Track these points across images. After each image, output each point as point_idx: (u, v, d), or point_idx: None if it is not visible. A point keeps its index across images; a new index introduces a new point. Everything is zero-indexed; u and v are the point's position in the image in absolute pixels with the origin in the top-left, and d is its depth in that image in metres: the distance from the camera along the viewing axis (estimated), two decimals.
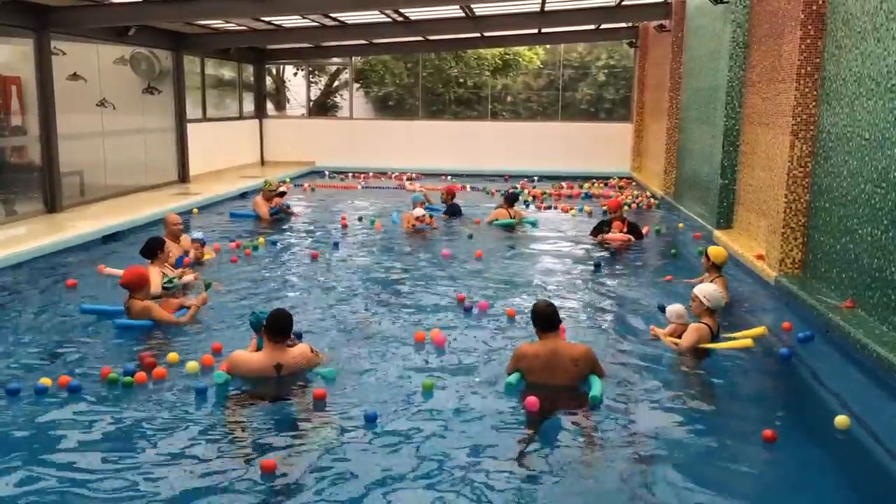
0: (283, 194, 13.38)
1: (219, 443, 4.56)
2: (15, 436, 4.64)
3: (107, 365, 5.63)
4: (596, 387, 5.20)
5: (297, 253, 10.32)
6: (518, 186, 17.80)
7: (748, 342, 6.11)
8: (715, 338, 6.17)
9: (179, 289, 7.13)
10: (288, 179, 18.52)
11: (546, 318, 5.40)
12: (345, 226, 12.16)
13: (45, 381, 5.27)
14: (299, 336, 6.18)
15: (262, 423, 4.82)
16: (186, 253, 8.82)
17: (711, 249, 7.88)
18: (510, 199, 12.88)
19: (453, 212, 13.25)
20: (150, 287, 6.84)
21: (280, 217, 12.93)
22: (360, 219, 12.86)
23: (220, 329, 6.76)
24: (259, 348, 5.56)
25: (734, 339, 6.26)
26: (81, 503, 3.89)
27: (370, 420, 4.84)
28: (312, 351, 5.57)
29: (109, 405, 5.08)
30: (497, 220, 12.44)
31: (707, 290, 6.24)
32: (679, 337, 6.22)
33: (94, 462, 4.31)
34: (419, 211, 11.79)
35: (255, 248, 10.34)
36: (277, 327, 5.34)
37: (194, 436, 4.64)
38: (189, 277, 8.05)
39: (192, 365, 5.66)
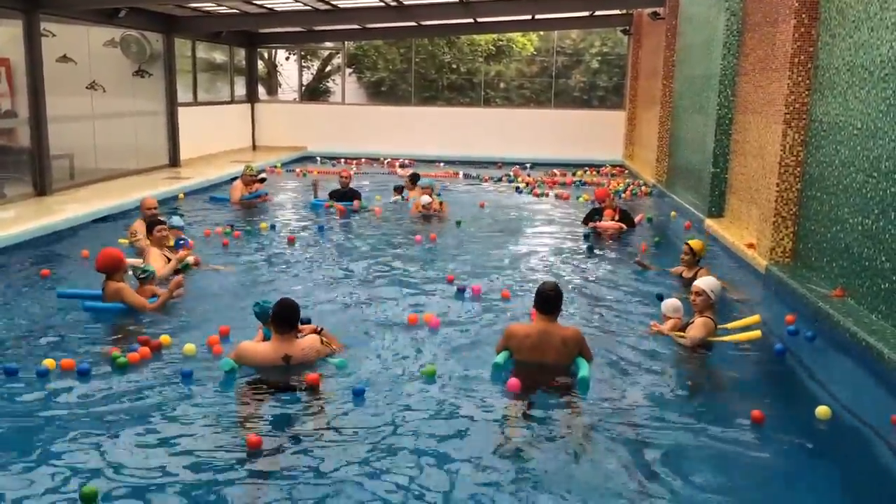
0: (263, 180, 13.30)
1: (216, 428, 4.55)
2: (11, 417, 4.65)
3: (113, 346, 5.68)
4: (584, 369, 5.23)
5: (295, 238, 10.27)
6: (511, 173, 17.82)
7: (756, 333, 6.01)
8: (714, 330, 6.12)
9: (152, 276, 7.00)
10: (279, 165, 18.46)
11: (545, 301, 5.41)
12: (342, 211, 12.09)
13: (49, 362, 5.26)
14: (308, 322, 6.20)
15: (266, 411, 4.81)
16: (183, 240, 8.79)
17: (695, 243, 7.95)
18: (414, 179, 13.11)
19: (347, 196, 12.49)
20: (124, 269, 6.77)
21: (254, 203, 12.68)
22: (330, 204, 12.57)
23: (216, 311, 6.76)
24: (266, 338, 5.51)
25: (730, 330, 6.21)
26: (74, 482, 3.88)
27: (357, 395, 4.90)
28: (323, 342, 5.51)
29: (105, 386, 5.07)
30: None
31: (712, 284, 6.15)
32: (678, 330, 6.18)
33: (86, 442, 4.31)
34: (425, 199, 11.84)
35: (249, 232, 10.35)
36: (284, 318, 5.27)
37: (185, 420, 4.64)
38: (190, 259, 8.04)
39: (189, 347, 5.66)
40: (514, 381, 5.03)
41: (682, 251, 8.11)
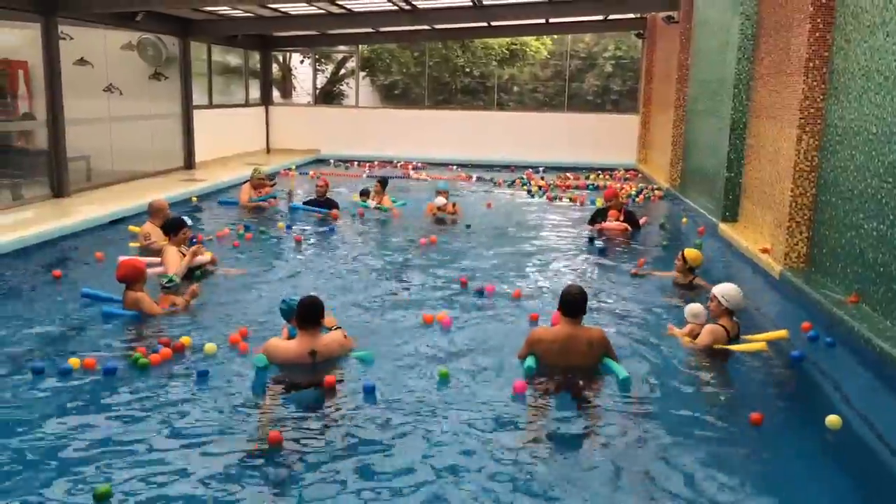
0: (273, 185, 13.29)
1: (235, 426, 4.62)
2: (35, 415, 4.71)
3: (136, 347, 5.75)
4: (621, 371, 5.23)
5: (305, 239, 10.32)
6: (524, 177, 17.82)
7: (762, 345, 5.93)
8: (733, 340, 6.03)
9: (179, 287, 7.09)
10: (293, 168, 18.54)
11: (571, 304, 5.42)
12: (361, 214, 12.10)
13: (73, 361, 5.33)
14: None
15: (287, 409, 4.88)
16: (193, 238, 8.86)
17: (689, 252, 7.99)
18: (383, 183, 12.89)
19: (324, 206, 12.03)
20: (145, 279, 6.84)
21: (264, 206, 12.62)
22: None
23: (234, 313, 6.84)
24: (291, 336, 5.63)
25: (750, 341, 6.12)
26: (91, 480, 3.92)
27: (368, 391, 4.99)
28: (346, 337, 5.64)
29: (126, 386, 5.15)
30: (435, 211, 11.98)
31: (725, 290, 6.11)
32: (696, 337, 6.15)
33: (105, 441, 4.37)
34: (440, 200, 11.83)
35: (263, 232, 10.42)
36: (307, 315, 5.43)
37: (204, 418, 4.70)
38: (206, 258, 8.10)
39: (210, 346, 5.73)
40: (520, 384, 5.06)
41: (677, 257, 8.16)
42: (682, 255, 7.99)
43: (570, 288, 5.56)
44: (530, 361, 5.37)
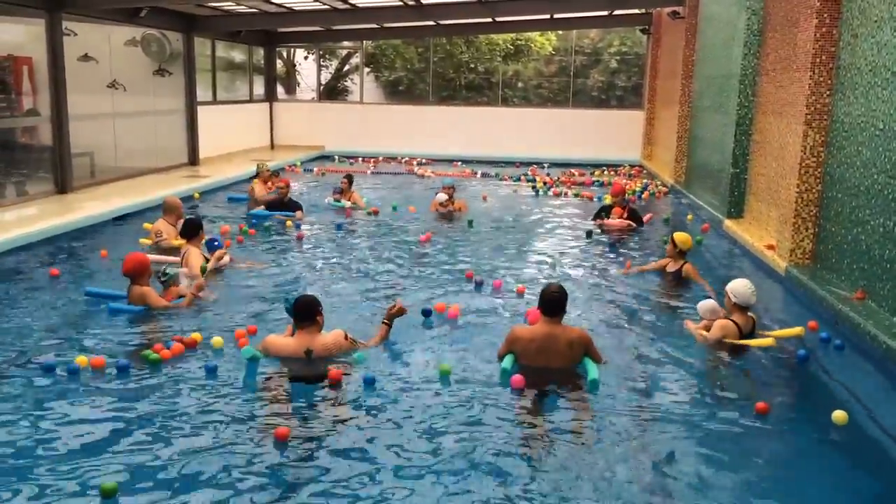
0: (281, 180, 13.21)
1: (240, 420, 4.61)
2: (42, 411, 4.71)
3: (147, 343, 5.77)
4: (592, 371, 5.19)
5: (312, 237, 10.31)
6: (528, 173, 17.78)
7: (770, 341, 5.91)
8: (746, 335, 5.98)
9: (175, 278, 7.05)
10: (298, 164, 18.54)
11: (552, 304, 5.37)
12: (375, 212, 12.00)
13: (80, 360, 5.33)
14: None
15: (288, 404, 4.89)
16: (215, 241, 8.82)
17: (678, 236, 7.94)
18: (350, 179, 12.76)
19: (287, 208, 11.45)
20: (151, 273, 6.83)
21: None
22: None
23: (244, 310, 6.83)
24: (295, 333, 5.64)
25: (764, 336, 6.08)
26: (98, 476, 3.93)
27: (368, 383, 5.02)
28: (347, 338, 5.60)
29: (134, 382, 5.15)
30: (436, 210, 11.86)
31: (735, 286, 6.07)
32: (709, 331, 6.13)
33: (112, 438, 4.38)
34: (442, 196, 11.82)
35: (267, 230, 10.43)
36: (301, 313, 5.47)
37: (211, 414, 4.70)
38: (226, 261, 8.11)
39: (217, 340, 5.74)
40: (517, 378, 5.03)
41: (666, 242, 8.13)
42: (672, 238, 7.96)
43: (550, 286, 5.50)
44: (506, 363, 5.32)
